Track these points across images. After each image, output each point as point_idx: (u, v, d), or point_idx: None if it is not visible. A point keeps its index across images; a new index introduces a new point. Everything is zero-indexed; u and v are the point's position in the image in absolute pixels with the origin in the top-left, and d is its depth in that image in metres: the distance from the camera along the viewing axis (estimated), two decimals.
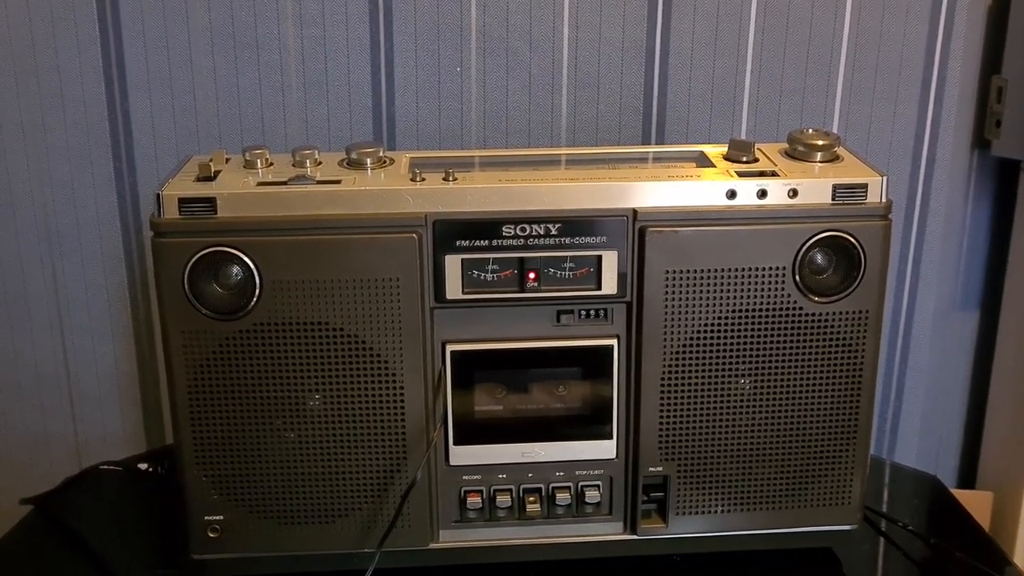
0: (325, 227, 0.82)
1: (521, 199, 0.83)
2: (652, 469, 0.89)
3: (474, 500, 0.90)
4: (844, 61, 1.15)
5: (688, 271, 0.84)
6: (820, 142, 0.89)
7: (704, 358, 0.86)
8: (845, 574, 0.94)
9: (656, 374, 0.86)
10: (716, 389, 0.87)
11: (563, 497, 0.90)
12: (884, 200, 0.85)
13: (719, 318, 0.85)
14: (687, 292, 0.84)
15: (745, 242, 0.84)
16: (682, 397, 0.87)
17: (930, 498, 1.10)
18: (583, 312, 0.87)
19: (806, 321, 0.86)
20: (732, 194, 0.84)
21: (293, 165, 0.87)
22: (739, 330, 0.85)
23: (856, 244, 0.84)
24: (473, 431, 0.88)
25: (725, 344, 0.86)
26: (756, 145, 0.91)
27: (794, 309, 0.85)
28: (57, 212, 1.15)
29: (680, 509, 0.90)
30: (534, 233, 0.83)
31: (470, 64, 1.13)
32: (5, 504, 1.06)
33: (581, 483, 0.90)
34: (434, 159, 0.91)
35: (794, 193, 0.84)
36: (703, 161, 0.90)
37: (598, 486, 0.90)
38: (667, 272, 0.84)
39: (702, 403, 0.87)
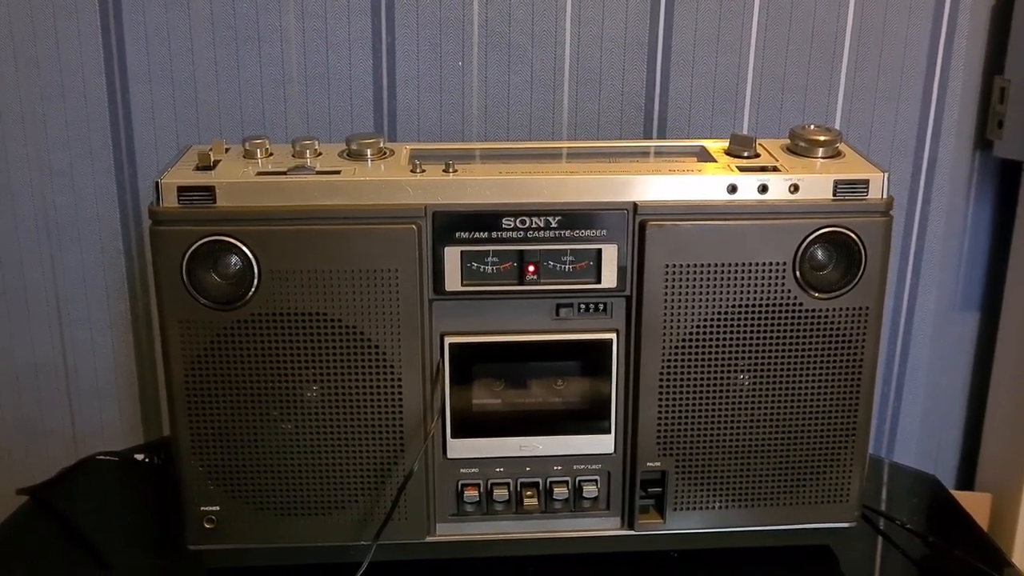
0: (324, 217, 0.82)
1: (521, 191, 0.83)
2: (650, 464, 0.89)
3: (471, 494, 0.89)
4: (847, 58, 1.15)
5: (688, 265, 0.84)
6: (822, 138, 0.88)
7: (703, 353, 0.86)
8: (842, 572, 0.93)
9: (655, 369, 0.86)
10: (715, 385, 0.87)
11: (560, 492, 0.90)
12: (885, 196, 0.85)
13: (719, 313, 0.85)
14: (687, 287, 0.84)
15: (745, 237, 0.84)
16: (681, 392, 0.87)
17: (929, 497, 1.10)
18: (582, 306, 0.86)
19: (806, 317, 0.85)
20: (733, 189, 0.84)
21: (293, 155, 0.87)
22: (739, 325, 0.85)
23: (857, 240, 0.84)
24: (471, 424, 0.88)
25: (724, 339, 0.85)
26: (758, 140, 0.91)
27: (794, 305, 0.85)
28: (56, 203, 1.15)
29: (678, 505, 0.90)
30: (534, 226, 0.83)
31: (472, 58, 1.13)
32: (2, 495, 1.06)
33: (579, 478, 0.90)
34: (434, 151, 0.91)
35: (795, 188, 0.84)
36: (704, 156, 0.90)
37: (596, 481, 0.90)
38: (667, 266, 0.84)
39: (701, 398, 0.87)
